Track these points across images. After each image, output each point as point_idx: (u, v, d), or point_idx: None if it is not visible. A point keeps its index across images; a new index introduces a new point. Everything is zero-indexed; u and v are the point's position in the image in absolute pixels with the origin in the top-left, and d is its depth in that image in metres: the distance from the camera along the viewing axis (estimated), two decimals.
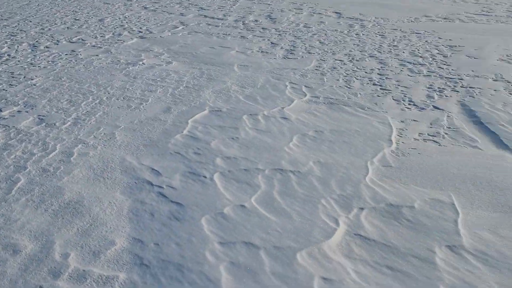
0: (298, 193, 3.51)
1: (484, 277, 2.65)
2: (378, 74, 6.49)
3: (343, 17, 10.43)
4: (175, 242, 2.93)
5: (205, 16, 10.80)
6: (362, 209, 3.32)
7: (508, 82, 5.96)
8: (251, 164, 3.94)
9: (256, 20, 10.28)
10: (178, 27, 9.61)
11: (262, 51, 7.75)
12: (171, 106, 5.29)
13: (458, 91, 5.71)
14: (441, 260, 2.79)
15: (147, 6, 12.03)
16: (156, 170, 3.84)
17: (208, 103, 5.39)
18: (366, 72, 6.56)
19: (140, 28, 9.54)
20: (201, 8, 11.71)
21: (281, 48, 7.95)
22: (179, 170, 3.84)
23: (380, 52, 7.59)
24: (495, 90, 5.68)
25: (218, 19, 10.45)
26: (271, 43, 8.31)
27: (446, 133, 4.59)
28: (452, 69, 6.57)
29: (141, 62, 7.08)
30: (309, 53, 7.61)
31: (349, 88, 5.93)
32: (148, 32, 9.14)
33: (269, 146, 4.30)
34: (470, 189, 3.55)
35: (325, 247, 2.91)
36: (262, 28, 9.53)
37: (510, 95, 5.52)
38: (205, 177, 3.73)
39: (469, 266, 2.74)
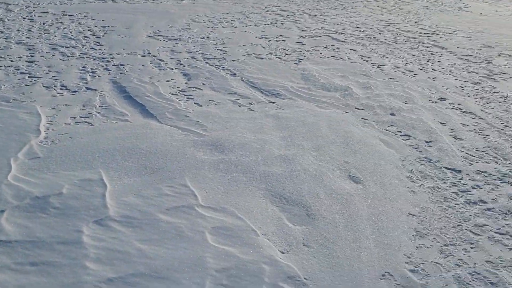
0: None
1: (127, 238, 2.84)
2: (26, 61, 5.97)
3: None
4: None
5: None
6: (2, 211, 2.99)
7: (154, 56, 6.55)
8: None
9: None
10: None
11: None
12: None
13: (110, 70, 5.89)
14: (87, 237, 2.82)
15: None
16: None
17: None
18: (12, 61, 5.93)
19: None
20: None
21: None
22: None
23: (29, 37, 7.00)
24: (143, 65, 6.15)
25: None
26: None
27: (98, 112, 4.66)
28: (104, 49, 6.71)
29: None
30: None
31: None
32: None
33: None
34: (118, 161, 3.73)
35: None
36: None
37: (155, 68, 6.08)
38: None
39: (115, 233, 2.89)
